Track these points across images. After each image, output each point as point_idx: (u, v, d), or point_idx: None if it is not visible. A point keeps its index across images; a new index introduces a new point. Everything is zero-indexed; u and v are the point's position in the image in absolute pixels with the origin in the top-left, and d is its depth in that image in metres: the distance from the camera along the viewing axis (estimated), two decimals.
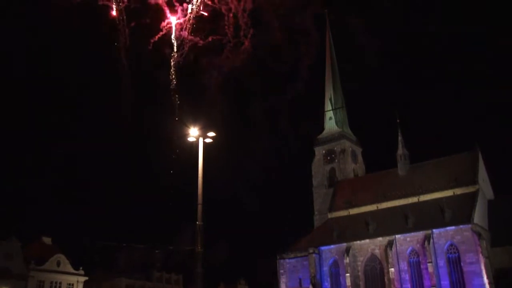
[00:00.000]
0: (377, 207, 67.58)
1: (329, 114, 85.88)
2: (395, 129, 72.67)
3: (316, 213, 78.32)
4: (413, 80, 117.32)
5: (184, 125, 27.51)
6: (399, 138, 71.84)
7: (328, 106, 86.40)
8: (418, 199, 64.38)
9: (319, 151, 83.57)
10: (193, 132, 27.27)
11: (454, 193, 61.79)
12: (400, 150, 71.13)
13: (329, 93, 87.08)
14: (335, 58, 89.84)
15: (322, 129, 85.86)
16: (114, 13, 25.45)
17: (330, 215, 72.60)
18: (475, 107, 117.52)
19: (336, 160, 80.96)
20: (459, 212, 57.61)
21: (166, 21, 26.23)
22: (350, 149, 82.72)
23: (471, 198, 58.92)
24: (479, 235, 54.80)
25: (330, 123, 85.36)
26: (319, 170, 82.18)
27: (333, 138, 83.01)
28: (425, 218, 59.72)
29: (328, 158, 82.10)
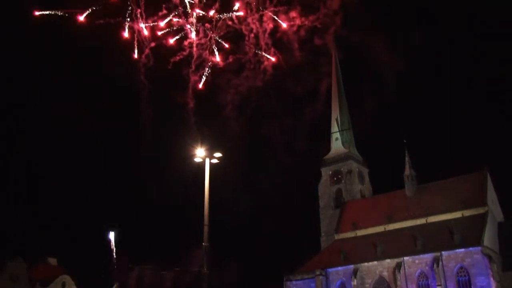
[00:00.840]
0: (385, 228, 66.87)
1: (336, 134, 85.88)
2: (402, 149, 72.57)
3: (323, 234, 77.65)
4: (420, 100, 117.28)
5: (191, 145, 27.64)
6: (406, 158, 71.52)
7: (334, 127, 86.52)
8: (426, 221, 63.65)
9: (326, 172, 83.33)
10: (199, 153, 27.39)
11: (462, 214, 61.05)
12: (407, 171, 70.72)
13: (335, 114, 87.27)
14: (341, 79, 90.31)
15: (329, 149, 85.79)
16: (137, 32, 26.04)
17: (337, 237, 71.95)
18: (483, 127, 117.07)
19: (343, 181, 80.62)
20: (468, 234, 56.78)
21: (188, 40, 26.64)
22: (357, 169, 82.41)
23: (481, 220, 58.14)
24: (489, 258, 53.87)
25: (337, 144, 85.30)
26: (325, 191, 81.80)
27: (339, 159, 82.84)
28: (434, 240, 58.92)
29: (335, 179, 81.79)
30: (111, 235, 45.18)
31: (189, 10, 25.62)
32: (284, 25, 25.81)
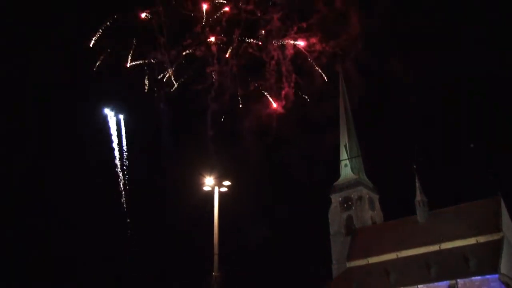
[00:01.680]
0: (397, 255, 65.56)
1: (345, 161, 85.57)
2: (412, 175, 71.88)
3: (334, 262, 76.32)
4: (430, 124, 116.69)
5: (200, 174, 27.59)
6: (417, 184, 70.79)
7: (343, 153, 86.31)
8: (440, 247, 62.34)
9: (336, 199, 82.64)
10: (208, 182, 27.31)
11: (477, 241, 59.74)
12: (418, 197, 69.84)
13: (344, 140, 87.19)
14: (349, 106, 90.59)
15: (338, 176, 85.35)
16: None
17: (348, 264, 70.65)
18: (494, 151, 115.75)
19: (353, 208, 79.79)
20: (484, 261, 55.44)
21: (210, 68, 27.05)
22: (367, 196, 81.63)
23: (496, 247, 56.80)
24: (507, 285, 52.42)
25: (346, 170, 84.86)
26: (336, 217, 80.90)
27: (349, 185, 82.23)
28: (448, 267, 57.60)
29: (345, 205, 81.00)
30: None
31: (211, 39, 26.05)
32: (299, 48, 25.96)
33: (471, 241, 59.96)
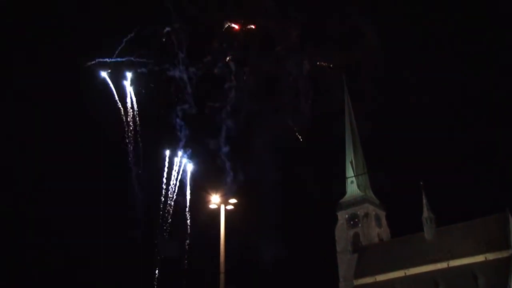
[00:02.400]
0: (405, 273, 64.84)
1: (351, 178, 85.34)
2: (419, 191, 71.52)
3: (341, 280, 75.44)
4: (436, 140, 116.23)
5: (206, 192, 27.74)
6: (424, 201, 70.36)
7: (349, 170, 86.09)
8: (448, 265, 61.65)
9: (342, 216, 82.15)
10: (214, 199, 27.43)
11: (486, 258, 59.05)
12: (426, 213, 69.35)
13: (349, 156, 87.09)
14: (355, 122, 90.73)
15: (344, 193, 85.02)
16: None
17: (356, 282, 69.93)
18: (501, 167, 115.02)
19: (360, 225, 79.22)
20: (494, 279, 54.76)
21: (228, 84, 27.44)
22: (374, 213, 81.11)
23: (505, 264, 56.11)
24: None
25: (352, 187, 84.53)
26: (342, 235, 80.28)
27: (355, 202, 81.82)
28: (457, 285, 56.93)
29: (351, 222, 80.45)
30: None
31: (228, 57, 26.44)
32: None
33: (480, 258, 59.30)
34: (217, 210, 27.05)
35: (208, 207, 27.62)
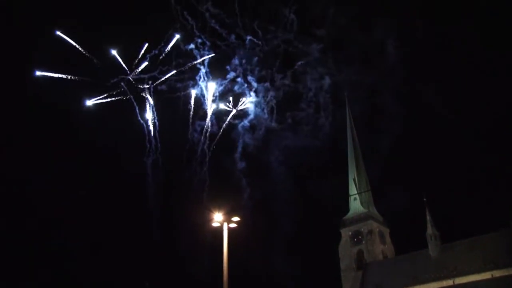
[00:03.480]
0: None
1: (354, 195, 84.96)
2: (423, 207, 71.12)
3: None
4: (440, 156, 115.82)
5: (209, 210, 27.69)
6: (428, 217, 69.90)
7: (352, 187, 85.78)
8: (453, 282, 60.84)
9: (346, 233, 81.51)
10: (217, 217, 27.35)
11: (492, 275, 58.27)
12: (430, 230, 68.80)
13: (352, 173, 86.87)
14: (357, 139, 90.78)
15: (347, 210, 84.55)
16: None
17: None
18: (505, 182, 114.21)
19: (364, 242, 78.54)
20: None
21: (246, 99, 27.60)
22: (378, 229, 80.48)
23: None
24: None
25: (355, 204, 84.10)
26: (346, 252, 79.54)
27: (359, 219, 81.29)
28: None
29: (355, 239, 79.79)
30: None
31: (248, 73, 26.69)
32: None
33: (486, 275, 58.56)
34: (221, 228, 26.97)
35: (211, 225, 27.54)
